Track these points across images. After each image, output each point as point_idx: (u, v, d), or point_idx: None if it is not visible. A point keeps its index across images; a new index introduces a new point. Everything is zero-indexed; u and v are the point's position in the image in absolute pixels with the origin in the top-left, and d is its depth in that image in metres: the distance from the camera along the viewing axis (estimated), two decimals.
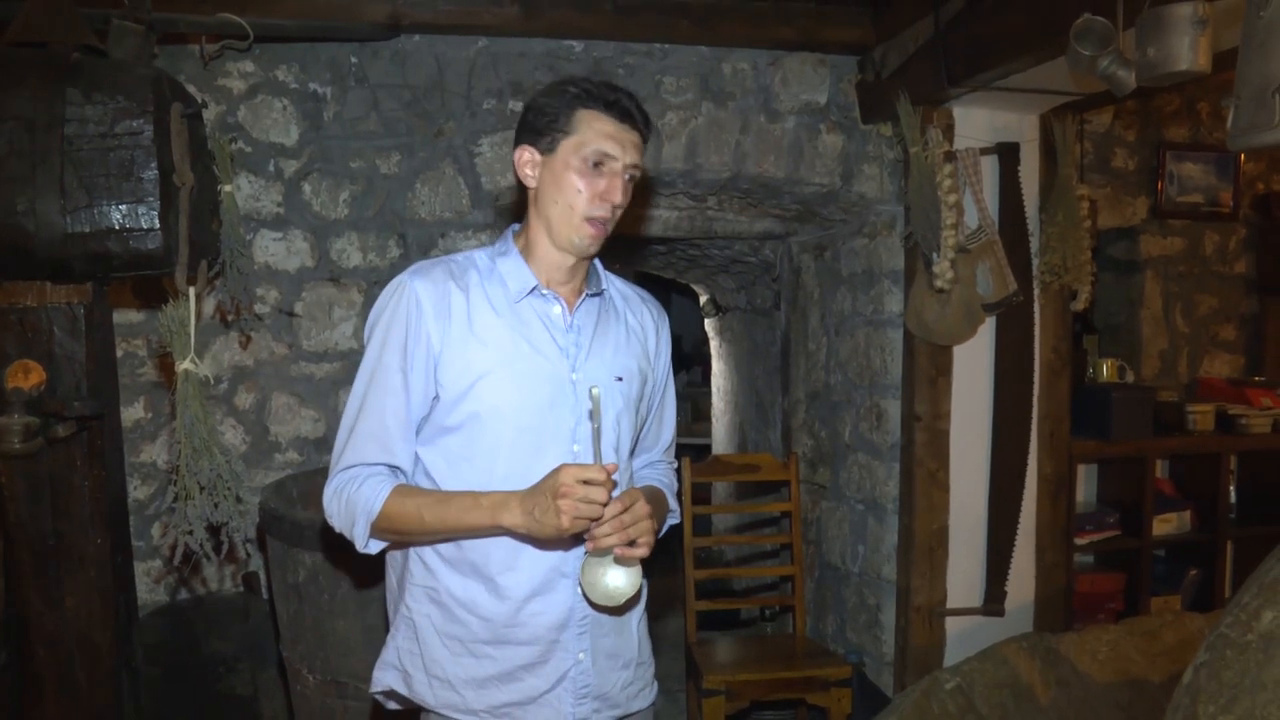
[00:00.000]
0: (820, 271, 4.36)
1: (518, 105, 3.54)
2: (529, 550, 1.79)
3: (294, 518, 2.77)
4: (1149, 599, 4.22)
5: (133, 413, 3.46)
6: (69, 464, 2.44)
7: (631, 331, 1.98)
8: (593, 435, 1.71)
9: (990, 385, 3.65)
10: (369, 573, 2.66)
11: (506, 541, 1.78)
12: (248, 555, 3.49)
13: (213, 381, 3.24)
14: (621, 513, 1.67)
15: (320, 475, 3.28)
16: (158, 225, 2.32)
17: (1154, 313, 4.69)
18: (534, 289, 1.84)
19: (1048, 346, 3.68)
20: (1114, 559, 4.35)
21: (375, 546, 1.81)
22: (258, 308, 3.46)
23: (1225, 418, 4.33)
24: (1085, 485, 4.42)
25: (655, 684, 2.04)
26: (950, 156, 3.42)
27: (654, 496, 1.96)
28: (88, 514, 2.46)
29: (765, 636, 4.48)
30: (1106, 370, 4.43)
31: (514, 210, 3.74)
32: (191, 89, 3.14)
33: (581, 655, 1.84)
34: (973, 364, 3.61)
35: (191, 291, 2.50)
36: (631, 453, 2.00)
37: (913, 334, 3.58)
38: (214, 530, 2.57)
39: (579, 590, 1.81)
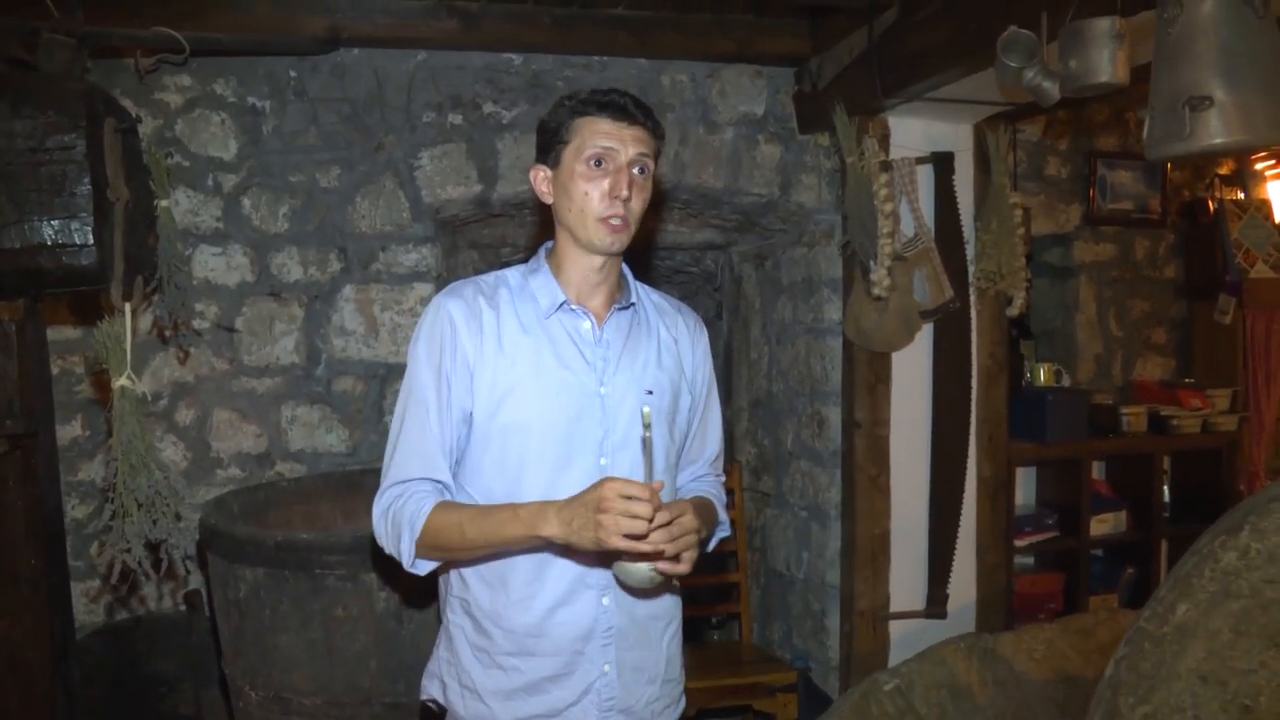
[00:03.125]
0: (761, 281, 4.40)
1: (457, 118, 3.55)
2: (555, 562, 1.80)
3: (234, 534, 2.75)
4: (1087, 598, 4.29)
5: (70, 430, 3.41)
6: (1, 483, 2.41)
7: (664, 344, 1.98)
8: (644, 453, 1.69)
9: (929, 391, 3.70)
10: (310, 589, 2.65)
11: (533, 553, 1.80)
12: (188, 572, 3.44)
13: (151, 398, 3.20)
14: (668, 523, 1.62)
15: (262, 490, 3.26)
16: (91, 241, 2.31)
17: (1088, 317, 4.79)
18: (563, 304, 1.86)
19: (985, 352, 3.75)
20: (1053, 559, 4.43)
21: (424, 567, 1.81)
22: (197, 323, 3.43)
23: (1157, 419, 4.42)
24: (1024, 487, 4.49)
25: (683, 701, 2.04)
26: (886, 166, 3.47)
27: (703, 507, 1.94)
28: (21, 534, 2.44)
29: (711, 644, 4.50)
30: (1043, 374, 4.49)
31: (456, 231, 3.74)
32: (127, 103, 3.12)
33: (607, 667, 1.84)
34: (911, 370, 3.65)
35: (128, 307, 2.48)
36: (675, 466, 1.99)
37: (852, 342, 3.62)
38: (153, 548, 2.55)
39: (603, 602, 1.83)
